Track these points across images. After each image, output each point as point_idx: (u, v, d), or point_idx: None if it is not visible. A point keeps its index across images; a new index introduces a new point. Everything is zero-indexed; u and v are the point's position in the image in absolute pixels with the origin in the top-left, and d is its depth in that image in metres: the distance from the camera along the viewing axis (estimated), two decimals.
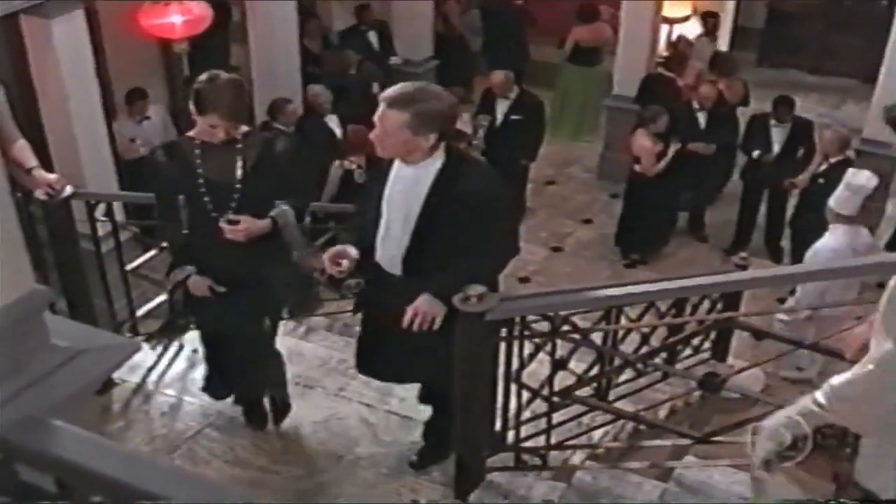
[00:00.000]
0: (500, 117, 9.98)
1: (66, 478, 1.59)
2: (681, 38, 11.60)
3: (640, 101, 10.51)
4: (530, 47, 13.03)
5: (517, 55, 12.43)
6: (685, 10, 12.09)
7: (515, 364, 4.42)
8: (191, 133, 4.52)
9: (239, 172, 4.44)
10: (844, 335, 4.01)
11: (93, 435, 1.65)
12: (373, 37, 11.88)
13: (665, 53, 11.63)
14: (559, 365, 4.45)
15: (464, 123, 9.11)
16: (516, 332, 4.32)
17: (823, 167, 8.71)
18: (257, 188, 4.45)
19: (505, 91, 9.98)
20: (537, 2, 12.64)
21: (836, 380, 3.40)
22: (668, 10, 11.59)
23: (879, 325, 3.10)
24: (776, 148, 9.62)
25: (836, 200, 6.50)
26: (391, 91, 3.97)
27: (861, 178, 6.49)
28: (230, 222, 4.39)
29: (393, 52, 12.03)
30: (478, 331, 4.05)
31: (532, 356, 4.43)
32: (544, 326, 4.40)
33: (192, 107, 4.34)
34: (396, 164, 4.11)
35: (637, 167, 9.58)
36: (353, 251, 4.17)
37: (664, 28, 11.90)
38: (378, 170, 4.28)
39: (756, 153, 9.67)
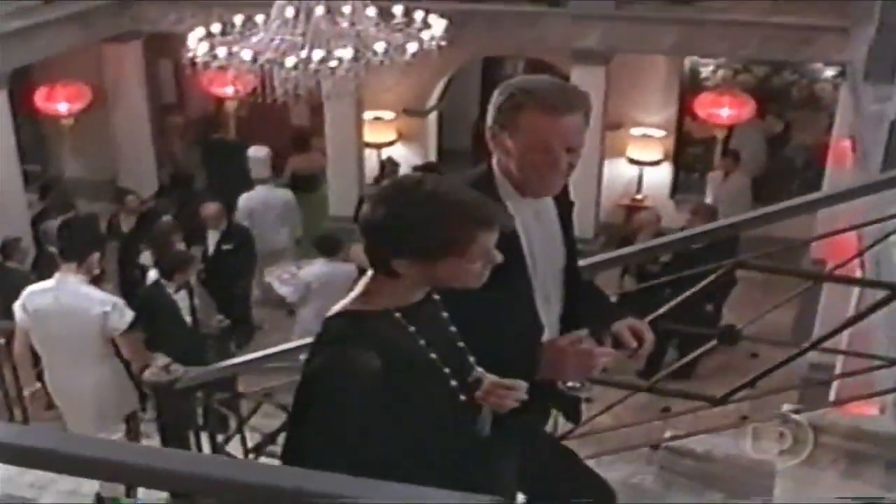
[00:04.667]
0: (212, 247, 10.29)
1: None
2: (388, 159, 12.76)
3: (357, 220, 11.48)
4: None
5: (240, 188, 13.02)
6: (390, 134, 13.33)
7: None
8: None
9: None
10: None
11: None
12: None
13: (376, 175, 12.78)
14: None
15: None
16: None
17: None
18: None
19: (216, 223, 10.27)
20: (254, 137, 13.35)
21: None
22: (371, 136, 12.81)
23: None
24: None
25: None
26: (570, 95, 2.80)
27: None
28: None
29: None
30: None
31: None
32: None
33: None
34: (521, 211, 2.88)
35: None
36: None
37: (374, 152, 13.16)
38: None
39: None
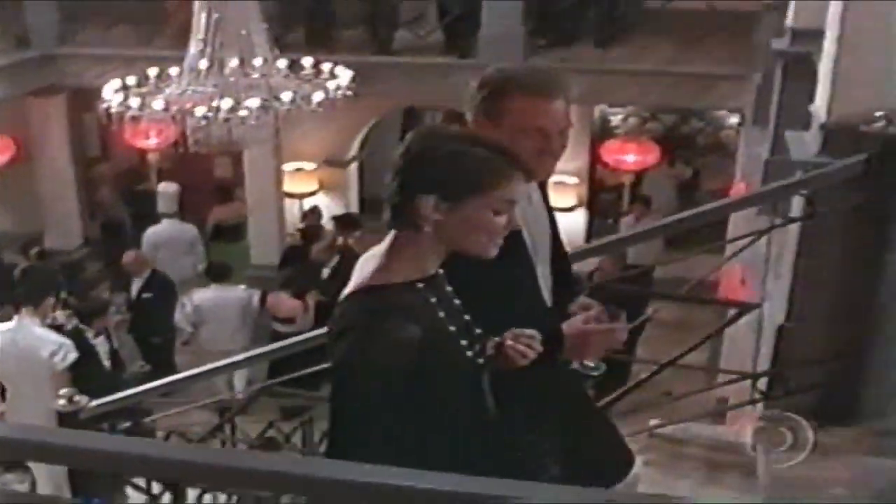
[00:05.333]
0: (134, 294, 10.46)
1: None
2: (312, 208, 12.97)
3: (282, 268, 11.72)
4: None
5: None
6: (312, 185, 13.60)
7: None
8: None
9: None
10: None
11: None
12: None
13: (300, 225, 12.97)
14: None
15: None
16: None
17: None
18: None
19: (138, 270, 10.44)
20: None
21: None
22: (293, 187, 13.07)
23: None
24: None
25: None
26: (553, 77, 2.97)
27: None
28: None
29: None
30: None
31: None
32: None
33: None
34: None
35: (282, 328, 10.29)
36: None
37: (295, 202, 13.40)
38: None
39: None
